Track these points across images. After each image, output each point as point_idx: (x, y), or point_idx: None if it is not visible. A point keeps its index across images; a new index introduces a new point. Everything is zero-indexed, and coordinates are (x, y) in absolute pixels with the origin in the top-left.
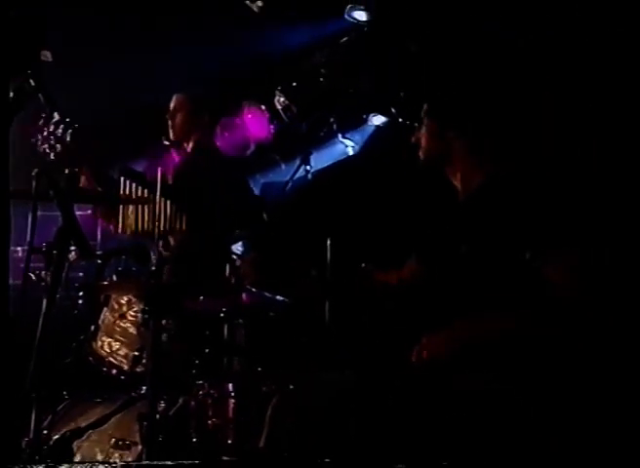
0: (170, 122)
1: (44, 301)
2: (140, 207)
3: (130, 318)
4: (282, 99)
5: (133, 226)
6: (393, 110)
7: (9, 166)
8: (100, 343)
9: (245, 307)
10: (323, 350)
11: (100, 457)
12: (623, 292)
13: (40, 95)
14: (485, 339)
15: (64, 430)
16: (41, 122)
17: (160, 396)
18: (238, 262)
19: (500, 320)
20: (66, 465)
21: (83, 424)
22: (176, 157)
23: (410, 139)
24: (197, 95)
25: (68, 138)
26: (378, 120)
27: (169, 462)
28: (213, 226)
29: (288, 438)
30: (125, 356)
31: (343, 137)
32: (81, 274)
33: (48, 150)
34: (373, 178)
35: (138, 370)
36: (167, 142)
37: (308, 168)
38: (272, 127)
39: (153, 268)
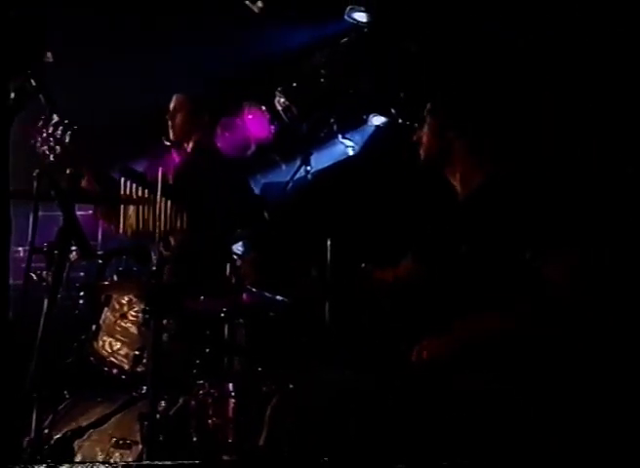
0: (170, 122)
1: (45, 301)
2: (140, 207)
3: (131, 318)
4: (282, 100)
5: (133, 226)
6: (393, 111)
7: (9, 166)
8: (100, 343)
9: (245, 307)
10: (323, 350)
11: (100, 457)
12: (623, 291)
13: (41, 95)
14: (485, 339)
15: (65, 429)
16: (40, 123)
17: (161, 395)
18: (238, 262)
19: (500, 320)
20: (67, 465)
21: (84, 424)
22: (176, 157)
23: (410, 139)
24: (197, 95)
25: (67, 140)
26: (377, 120)
27: (169, 462)
28: (213, 226)
29: (288, 438)
30: (126, 356)
31: (343, 138)
32: (82, 274)
33: (47, 152)
34: (373, 179)
35: (138, 369)
36: (167, 143)
37: (309, 168)
38: (273, 127)
39: (154, 268)
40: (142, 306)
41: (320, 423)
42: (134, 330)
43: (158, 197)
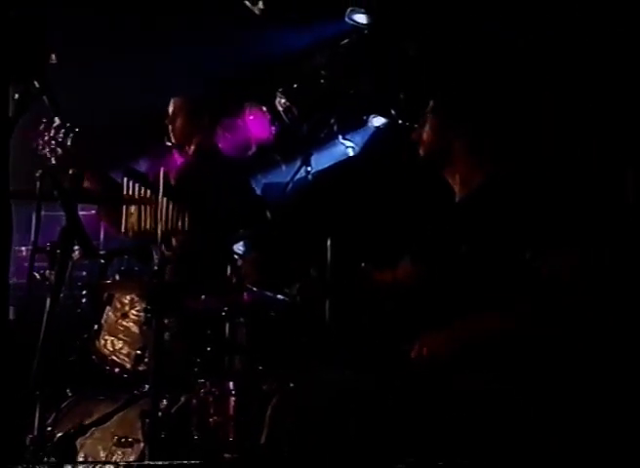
0: (170, 126)
1: (48, 300)
2: (142, 207)
3: (132, 317)
4: (283, 101)
5: (135, 226)
6: (393, 112)
7: (9, 166)
8: (102, 342)
9: (246, 306)
10: (323, 350)
11: (102, 454)
12: (623, 291)
13: (44, 97)
14: (485, 339)
15: (68, 427)
16: (42, 126)
17: (162, 394)
18: (239, 262)
19: (501, 320)
20: (69, 466)
21: (86, 422)
22: (178, 158)
23: (410, 140)
24: (195, 96)
25: (69, 143)
26: (378, 121)
27: (169, 462)
28: (215, 227)
29: (288, 437)
30: (127, 354)
31: (344, 139)
32: (84, 273)
33: (49, 155)
34: (373, 179)
35: (140, 368)
36: (169, 143)
37: (309, 169)
38: (273, 128)
39: (155, 268)
40: (144, 305)
41: (320, 423)
42: (135, 329)
43: (160, 197)
